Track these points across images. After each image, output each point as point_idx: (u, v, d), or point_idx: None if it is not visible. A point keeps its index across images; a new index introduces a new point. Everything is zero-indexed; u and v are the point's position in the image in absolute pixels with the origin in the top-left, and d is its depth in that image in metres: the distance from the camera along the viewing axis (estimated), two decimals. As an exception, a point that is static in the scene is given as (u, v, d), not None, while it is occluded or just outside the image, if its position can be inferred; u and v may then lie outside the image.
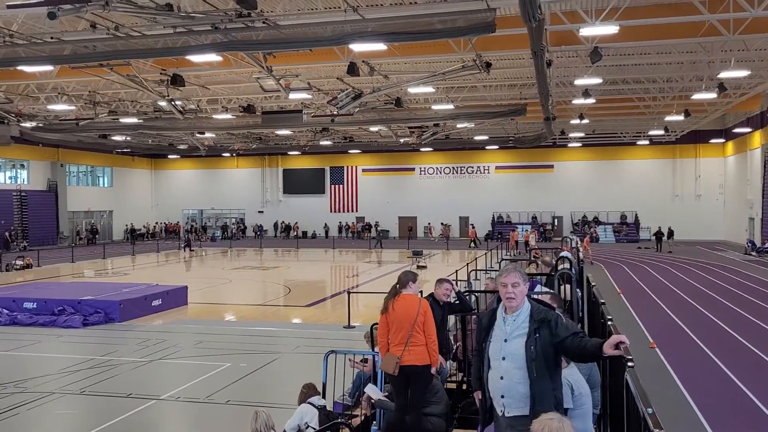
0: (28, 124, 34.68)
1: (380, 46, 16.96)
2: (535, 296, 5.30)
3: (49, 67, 21.91)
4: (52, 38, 18.30)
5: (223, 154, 52.91)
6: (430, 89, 24.58)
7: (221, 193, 57.61)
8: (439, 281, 7.54)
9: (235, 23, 15.22)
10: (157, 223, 57.58)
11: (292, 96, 24.65)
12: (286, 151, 51.45)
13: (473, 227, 46.69)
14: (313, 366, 11.51)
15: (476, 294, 9.56)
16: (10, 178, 46.14)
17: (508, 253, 32.52)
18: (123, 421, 8.92)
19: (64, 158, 48.84)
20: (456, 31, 14.15)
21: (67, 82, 27.17)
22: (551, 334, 4.10)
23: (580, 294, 8.81)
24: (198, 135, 39.87)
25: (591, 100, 25.30)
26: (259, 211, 56.70)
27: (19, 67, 21.12)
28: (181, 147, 48.61)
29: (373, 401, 6.33)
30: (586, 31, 15.77)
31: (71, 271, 30.33)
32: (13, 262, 30.68)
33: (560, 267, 9.43)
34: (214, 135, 40.81)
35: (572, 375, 4.67)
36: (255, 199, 56.95)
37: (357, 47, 17.08)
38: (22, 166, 46.72)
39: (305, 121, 30.42)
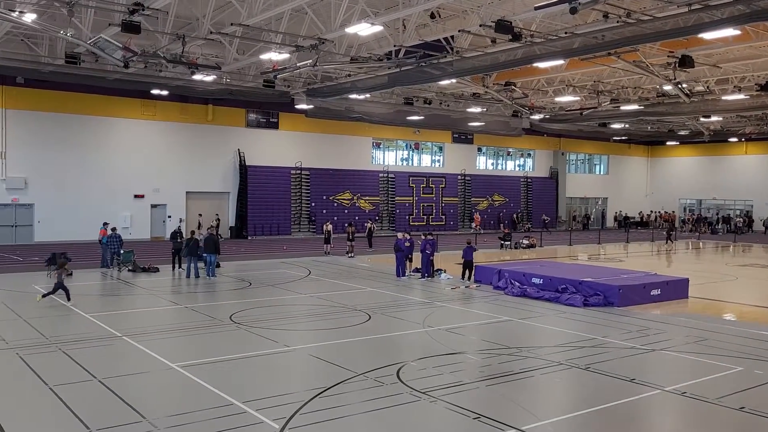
0: (536, 117, 38.26)
1: None
2: None
3: (559, 62, 23.50)
4: (565, 33, 19.57)
5: (730, 139, 48.26)
6: None
7: (724, 182, 52.81)
8: None
9: (762, -12, 13.55)
10: (652, 211, 56.40)
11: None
12: (810, 134, 43.91)
13: None
14: None
15: None
16: (519, 165, 51.73)
17: None
18: (628, 404, 8.92)
19: (564, 147, 52.14)
20: None
21: (574, 74, 28.78)
22: None
23: None
24: (702, 119, 37.34)
25: None
26: (771, 204, 49.99)
27: (534, 64, 23.27)
28: (682, 133, 46.42)
29: None
30: None
31: (567, 253, 32.18)
32: (521, 240, 34.31)
33: None
34: (720, 118, 37.66)
35: None
36: (766, 189, 50.31)
37: None
38: (529, 155, 51.82)
39: None
